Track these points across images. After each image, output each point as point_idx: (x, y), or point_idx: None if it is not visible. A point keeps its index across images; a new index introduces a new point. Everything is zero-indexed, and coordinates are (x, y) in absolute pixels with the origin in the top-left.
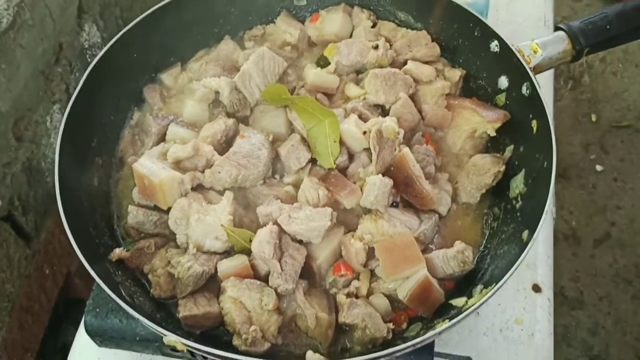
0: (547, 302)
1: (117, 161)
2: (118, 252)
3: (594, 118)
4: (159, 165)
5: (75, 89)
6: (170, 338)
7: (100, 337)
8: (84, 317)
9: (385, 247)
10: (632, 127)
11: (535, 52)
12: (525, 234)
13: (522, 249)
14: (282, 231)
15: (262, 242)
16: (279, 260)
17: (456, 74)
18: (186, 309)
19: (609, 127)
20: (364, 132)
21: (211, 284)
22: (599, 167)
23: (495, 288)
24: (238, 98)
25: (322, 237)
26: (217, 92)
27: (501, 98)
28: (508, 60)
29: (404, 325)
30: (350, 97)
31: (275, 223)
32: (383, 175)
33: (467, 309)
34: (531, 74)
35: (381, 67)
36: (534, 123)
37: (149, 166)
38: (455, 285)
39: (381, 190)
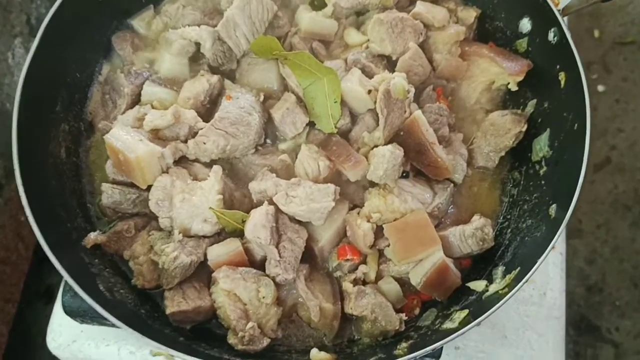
0: (560, 257)
1: (86, 126)
2: (93, 237)
3: (596, 34)
4: (134, 136)
5: (37, 19)
6: (157, 350)
7: (81, 317)
8: (60, 297)
9: (397, 228)
10: (636, 43)
11: None
12: (552, 208)
13: (552, 230)
14: (279, 211)
15: (257, 226)
16: (277, 246)
17: (470, 14)
18: (174, 304)
19: (612, 43)
20: (369, 91)
21: (201, 271)
22: (600, 88)
23: (523, 281)
24: (222, 50)
25: (325, 219)
26: (197, 44)
27: (522, 44)
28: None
29: (417, 311)
30: (350, 44)
31: (271, 202)
32: (391, 141)
33: (489, 296)
34: (560, 18)
35: (385, 8)
36: (562, 75)
37: (123, 138)
38: (473, 263)
39: (391, 163)
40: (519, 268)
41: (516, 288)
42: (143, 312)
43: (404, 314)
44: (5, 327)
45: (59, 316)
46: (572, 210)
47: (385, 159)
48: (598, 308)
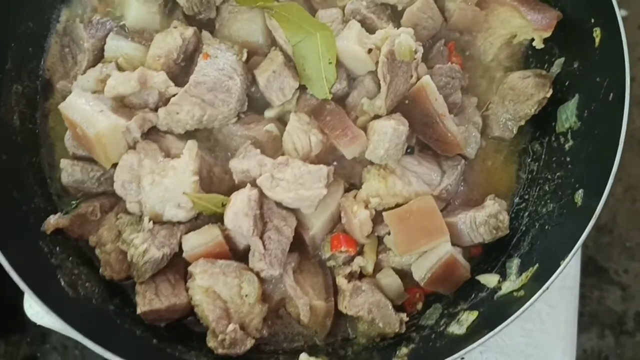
0: None
1: (44, 86)
2: (53, 222)
3: None
4: (94, 106)
5: None
6: None
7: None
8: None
9: (399, 217)
10: None
11: None
12: (579, 195)
13: (579, 223)
14: (263, 195)
15: (239, 215)
16: (261, 236)
17: None
18: (145, 302)
19: None
20: (369, 50)
21: (176, 260)
22: None
23: (542, 289)
24: None
25: (316, 207)
26: None
27: None
28: None
29: (419, 306)
30: None
31: (255, 184)
32: (394, 110)
33: (503, 296)
34: None
35: None
36: (597, 32)
37: (81, 108)
38: (483, 251)
39: (394, 142)
40: (537, 265)
41: (535, 297)
42: (112, 308)
43: (405, 314)
44: None
45: None
46: (605, 200)
47: (387, 137)
48: (607, 249)
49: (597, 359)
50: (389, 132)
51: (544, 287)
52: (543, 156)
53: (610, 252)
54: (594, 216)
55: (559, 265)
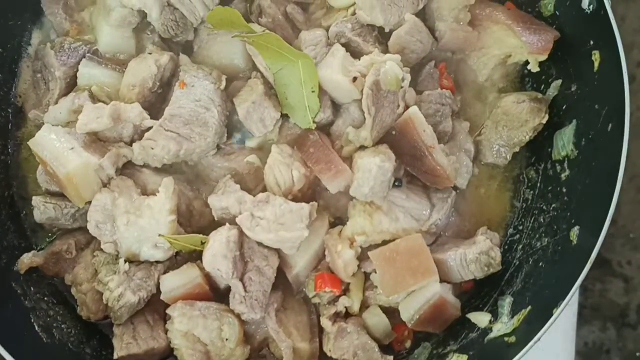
0: None
1: (15, 113)
2: (27, 261)
3: None
4: (65, 142)
5: None
6: None
7: None
8: None
9: (385, 257)
10: None
11: None
12: (574, 232)
13: (574, 263)
14: (244, 234)
15: (217, 257)
16: (242, 278)
17: None
18: (122, 346)
19: None
20: (354, 79)
21: (155, 299)
22: None
23: (535, 339)
24: (173, 18)
25: (298, 247)
26: (142, 12)
27: (548, 5)
28: None
29: (408, 344)
30: (334, 7)
31: (234, 222)
32: (381, 141)
33: (494, 339)
34: None
35: None
36: (596, 55)
37: (51, 146)
38: (475, 285)
39: (379, 179)
40: (529, 307)
41: (527, 347)
42: (88, 352)
43: (392, 356)
44: None
45: None
46: (602, 240)
47: (372, 174)
48: (610, 240)
49: (598, 351)
50: (374, 169)
51: (535, 338)
52: (538, 184)
53: (614, 243)
54: (589, 260)
55: (551, 315)
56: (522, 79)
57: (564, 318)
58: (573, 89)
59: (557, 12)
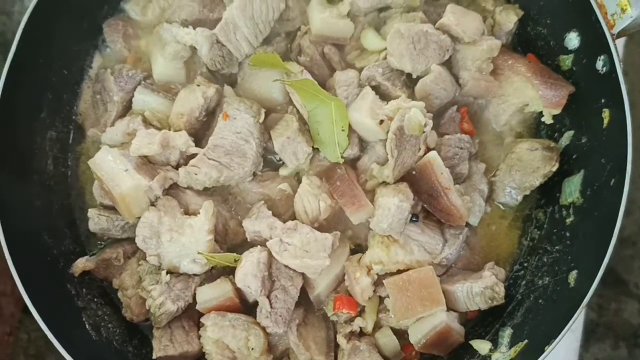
0: None
1: (76, 130)
2: (81, 265)
3: None
4: (120, 163)
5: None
6: None
7: None
8: None
9: (398, 286)
10: None
11: (623, 10)
12: (573, 275)
13: (569, 305)
14: (272, 256)
15: (248, 276)
16: (269, 295)
17: (511, 17)
18: (160, 347)
19: None
20: (381, 121)
21: (192, 307)
22: None
23: None
24: (221, 54)
25: (320, 273)
26: (194, 47)
27: (566, 61)
28: (584, 13)
29: None
30: (368, 50)
31: (265, 245)
32: (402, 179)
33: None
34: (612, 45)
35: (411, 9)
36: (606, 113)
37: (108, 166)
38: (480, 314)
39: (397, 217)
40: (526, 341)
41: None
42: (130, 349)
43: None
44: None
45: None
46: (595, 287)
47: (391, 212)
48: (629, 262)
49: None
50: (393, 208)
51: None
52: (545, 226)
53: (632, 265)
54: (585, 300)
55: (543, 351)
56: (538, 126)
57: (567, 341)
58: (583, 141)
59: (574, 68)
